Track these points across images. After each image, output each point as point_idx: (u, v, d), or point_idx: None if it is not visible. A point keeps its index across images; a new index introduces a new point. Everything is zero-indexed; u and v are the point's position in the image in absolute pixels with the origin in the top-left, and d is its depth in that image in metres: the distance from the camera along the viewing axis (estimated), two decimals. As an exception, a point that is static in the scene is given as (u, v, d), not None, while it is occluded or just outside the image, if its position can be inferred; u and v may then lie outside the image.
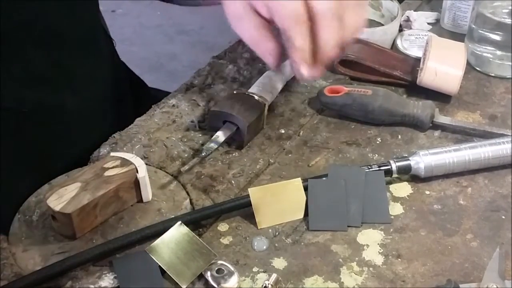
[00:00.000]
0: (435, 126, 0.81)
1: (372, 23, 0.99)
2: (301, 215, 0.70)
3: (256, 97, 0.79)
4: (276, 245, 0.67)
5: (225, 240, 0.67)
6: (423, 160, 0.73)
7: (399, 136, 0.80)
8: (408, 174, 0.74)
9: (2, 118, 0.78)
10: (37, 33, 0.78)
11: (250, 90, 0.82)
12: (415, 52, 0.91)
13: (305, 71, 0.68)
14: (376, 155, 0.78)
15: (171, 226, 0.65)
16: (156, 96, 0.89)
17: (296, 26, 0.66)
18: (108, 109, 0.90)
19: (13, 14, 0.76)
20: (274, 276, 0.62)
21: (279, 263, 0.65)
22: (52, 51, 0.80)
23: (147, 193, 0.69)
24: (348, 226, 0.69)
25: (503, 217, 0.70)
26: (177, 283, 0.62)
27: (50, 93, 0.81)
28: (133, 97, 0.99)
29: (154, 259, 0.63)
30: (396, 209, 0.71)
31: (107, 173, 0.67)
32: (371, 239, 0.68)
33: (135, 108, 0.87)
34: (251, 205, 0.69)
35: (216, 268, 0.63)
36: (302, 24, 0.66)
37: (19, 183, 0.73)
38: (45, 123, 0.82)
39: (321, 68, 0.69)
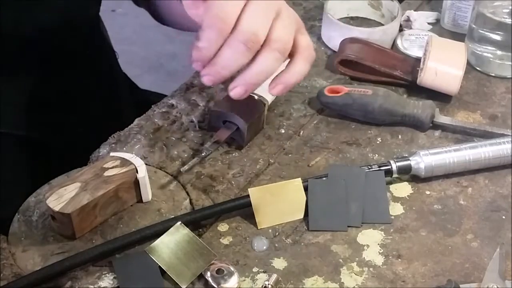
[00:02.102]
0: (436, 126, 0.81)
1: (372, 23, 0.99)
2: (301, 215, 0.70)
3: (256, 97, 0.79)
4: (276, 245, 0.67)
5: (225, 240, 0.67)
6: (424, 160, 0.73)
7: (399, 136, 0.80)
8: (408, 174, 0.74)
9: (3, 118, 0.78)
10: (40, 53, 0.78)
11: (250, 90, 0.82)
12: (415, 52, 0.91)
13: (196, 66, 0.67)
14: (376, 155, 0.78)
15: (171, 226, 0.65)
16: (155, 100, 0.89)
17: (212, 29, 0.65)
18: (108, 118, 0.90)
19: (16, 35, 0.76)
20: (274, 276, 0.62)
21: (279, 263, 0.65)
22: (56, 70, 0.81)
23: (147, 193, 0.69)
24: (348, 226, 0.69)
25: (504, 217, 0.70)
26: (177, 283, 0.62)
27: (52, 115, 0.82)
28: (134, 104, 0.99)
29: (154, 259, 0.63)
30: (396, 209, 0.71)
31: (106, 173, 0.67)
32: (371, 239, 0.68)
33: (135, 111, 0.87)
34: (251, 205, 0.68)
35: (216, 268, 0.63)
36: (218, 32, 0.64)
37: (19, 183, 0.73)
38: (44, 123, 0.83)
39: (212, 79, 0.67)
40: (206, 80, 0.66)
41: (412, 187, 0.74)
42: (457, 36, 0.95)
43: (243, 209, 0.69)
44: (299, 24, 0.70)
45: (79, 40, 0.83)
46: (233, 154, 0.77)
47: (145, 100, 0.93)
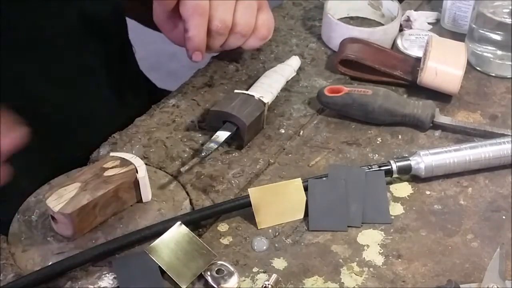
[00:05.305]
0: (436, 126, 0.81)
1: (372, 23, 0.99)
2: (301, 215, 0.70)
3: (256, 97, 0.79)
4: (276, 245, 0.67)
5: (225, 240, 0.67)
6: (424, 160, 0.73)
7: (400, 136, 0.80)
8: (408, 174, 0.74)
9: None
10: (74, 36, 0.79)
11: (250, 90, 0.82)
12: (415, 52, 0.91)
13: (196, 58, 0.79)
14: (377, 155, 0.78)
15: (171, 226, 0.65)
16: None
17: (195, 16, 0.75)
18: (121, 114, 0.89)
19: (54, 16, 0.77)
20: (274, 276, 0.62)
21: (279, 263, 0.65)
22: (84, 53, 0.81)
23: (147, 193, 0.69)
24: (348, 226, 0.69)
25: (504, 217, 0.70)
26: (177, 284, 0.62)
27: (74, 95, 0.83)
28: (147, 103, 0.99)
29: (154, 259, 0.63)
30: (396, 209, 0.71)
31: (106, 173, 0.67)
32: (371, 240, 0.68)
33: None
34: (251, 205, 0.68)
35: (216, 269, 0.63)
36: (201, 16, 0.75)
37: (19, 183, 0.73)
38: (46, 123, 0.82)
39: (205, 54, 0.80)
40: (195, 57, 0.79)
41: (412, 187, 0.74)
42: (457, 36, 0.95)
43: (243, 209, 0.69)
44: (260, 2, 0.81)
45: (107, 29, 0.85)
46: (233, 154, 0.77)
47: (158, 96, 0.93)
